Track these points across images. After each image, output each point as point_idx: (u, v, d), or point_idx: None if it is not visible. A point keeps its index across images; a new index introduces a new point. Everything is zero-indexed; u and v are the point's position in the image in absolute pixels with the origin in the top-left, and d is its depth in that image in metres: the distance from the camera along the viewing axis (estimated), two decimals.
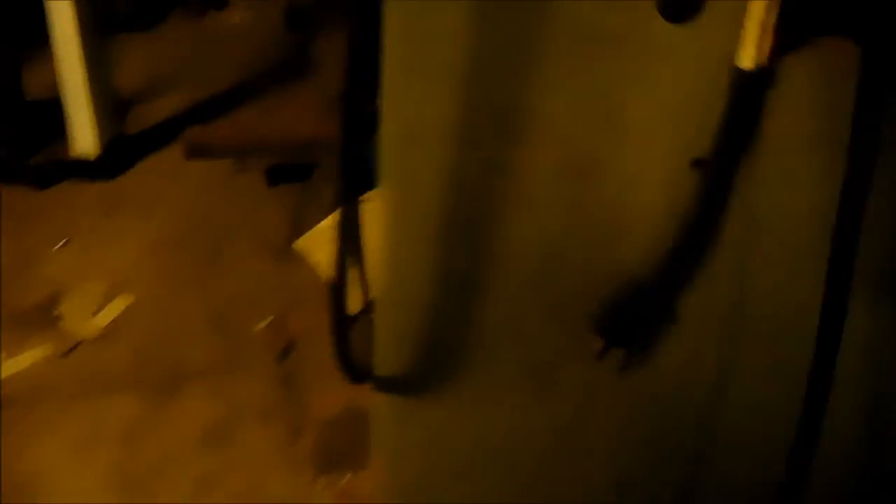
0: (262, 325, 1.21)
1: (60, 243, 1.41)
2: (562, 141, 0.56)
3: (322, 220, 1.15)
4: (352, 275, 0.64)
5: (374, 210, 0.62)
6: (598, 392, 0.63)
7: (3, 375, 1.19)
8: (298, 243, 1.20)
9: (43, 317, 1.29)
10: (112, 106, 1.55)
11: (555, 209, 0.58)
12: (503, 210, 0.59)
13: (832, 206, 0.56)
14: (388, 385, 0.63)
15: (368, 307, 0.67)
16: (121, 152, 1.56)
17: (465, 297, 0.62)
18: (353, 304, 0.64)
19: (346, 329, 0.61)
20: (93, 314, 1.28)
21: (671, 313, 0.60)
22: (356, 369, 0.63)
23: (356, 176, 0.61)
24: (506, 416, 0.64)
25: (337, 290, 0.62)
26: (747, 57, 0.51)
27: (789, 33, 0.52)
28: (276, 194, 1.43)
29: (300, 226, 1.32)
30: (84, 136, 1.51)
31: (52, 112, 1.51)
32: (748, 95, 0.52)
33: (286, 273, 1.30)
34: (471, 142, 0.57)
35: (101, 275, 1.35)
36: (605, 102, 0.55)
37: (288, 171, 1.41)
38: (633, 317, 0.59)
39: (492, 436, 0.64)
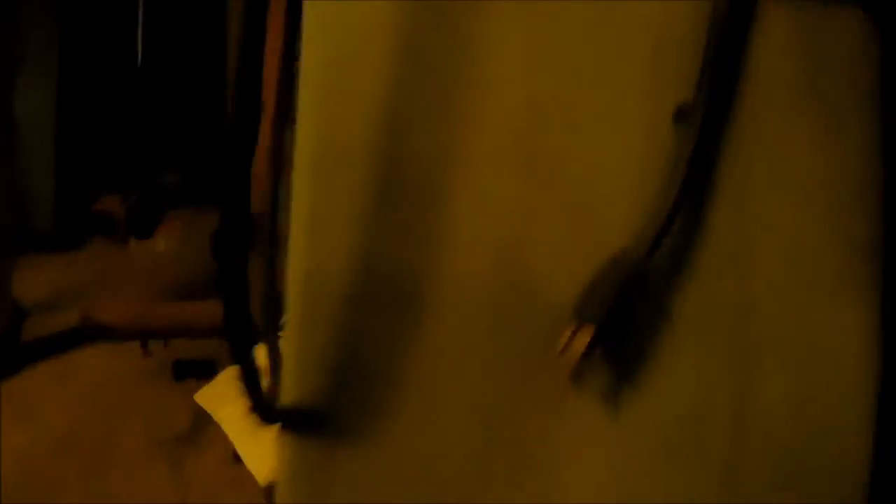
0: None
1: None
2: (515, 90, 0.48)
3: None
4: None
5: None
6: (575, 430, 0.47)
7: None
8: (200, 395, 1.01)
9: None
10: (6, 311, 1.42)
11: (507, 191, 0.47)
12: (443, 206, 0.48)
13: (837, 170, 0.48)
14: (302, 423, 0.45)
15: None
16: (7, 358, 1.40)
17: (397, 316, 0.48)
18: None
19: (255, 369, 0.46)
20: None
21: (664, 306, 0.47)
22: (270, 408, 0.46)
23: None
24: (450, 467, 0.46)
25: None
26: None
27: None
28: (182, 389, 1.26)
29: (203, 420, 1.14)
30: None
31: None
32: (730, 24, 0.46)
33: (185, 471, 1.09)
34: (402, 122, 0.48)
35: None
36: (566, 47, 0.47)
37: (195, 365, 1.27)
38: (624, 302, 0.46)
39: (430, 492, 0.46)
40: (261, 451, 0.88)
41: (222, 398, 0.96)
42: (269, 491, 0.89)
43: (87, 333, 1.29)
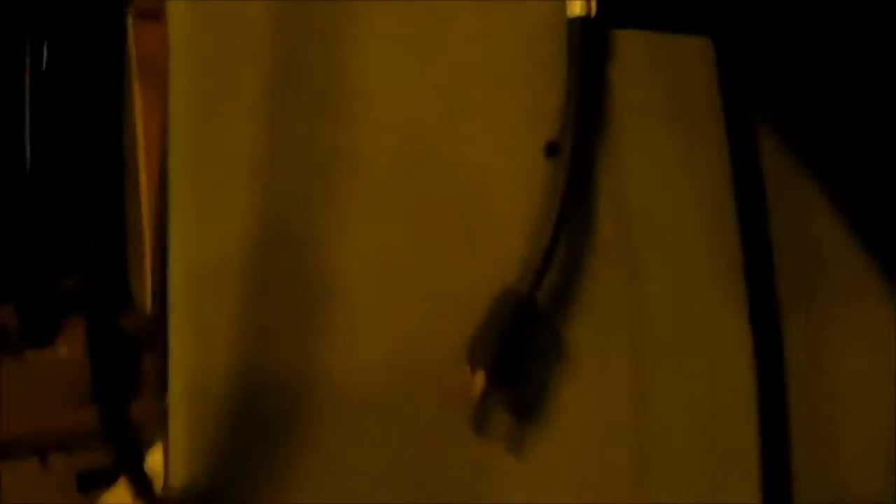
0: None
1: None
2: (394, 136, 0.47)
3: None
4: None
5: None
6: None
7: None
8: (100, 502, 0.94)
9: None
10: None
11: (393, 223, 0.46)
12: (324, 229, 0.46)
13: (704, 190, 0.50)
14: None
15: None
16: None
17: (286, 416, 0.45)
18: None
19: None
20: None
21: (558, 338, 0.47)
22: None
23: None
24: None
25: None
26: (576, 4, 0.47)
27: None
28: (88, 501, 1.17)
29: None
30: None
31: None
32: (585, 47, 0.47)
33: None
34: (284, 137, 0.46)
35: None
36: (438, 80, 0.47)
37: (99, 475, 1.19)
38: (513, 342, 0.44)
39: None
40: None
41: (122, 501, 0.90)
42: None
43: None
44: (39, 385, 1.66)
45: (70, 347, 1.85)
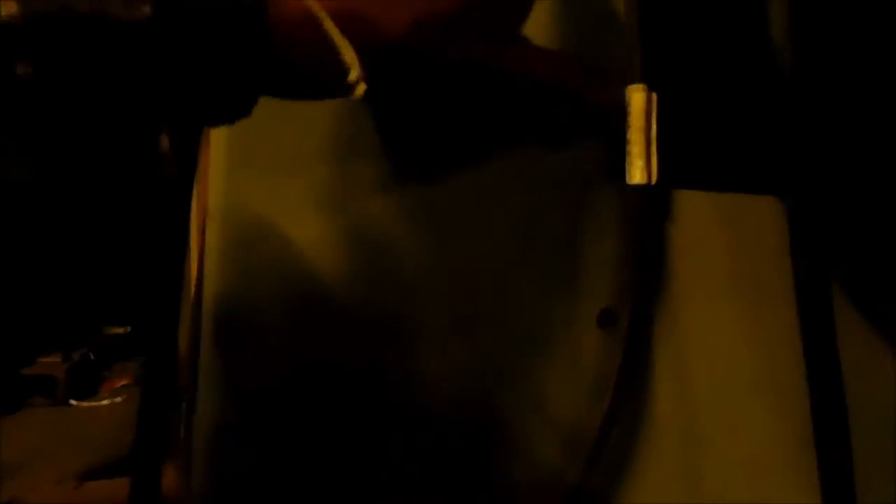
0: None
1: None
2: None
3: None
4: None
5: None
6: None
7: None
8: None
9: None
10: None
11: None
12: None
13: (773, 362, 0.46)
14: None
15: None
16: None
17: None
18: None
19: None
20: None
21: None
22: None
23: None
24: None
25: None
26: (637, 171, 0.44)
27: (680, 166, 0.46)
28: None
29: None
30: None
31: None
32: (643, 213, 0.44)
33: None
34: None
35: None
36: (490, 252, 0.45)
37: None
38: None
39: None
40: None
41: None
42: None
43: None
44: (82, 438, 1.67)
45: (112, 399, 1.86)
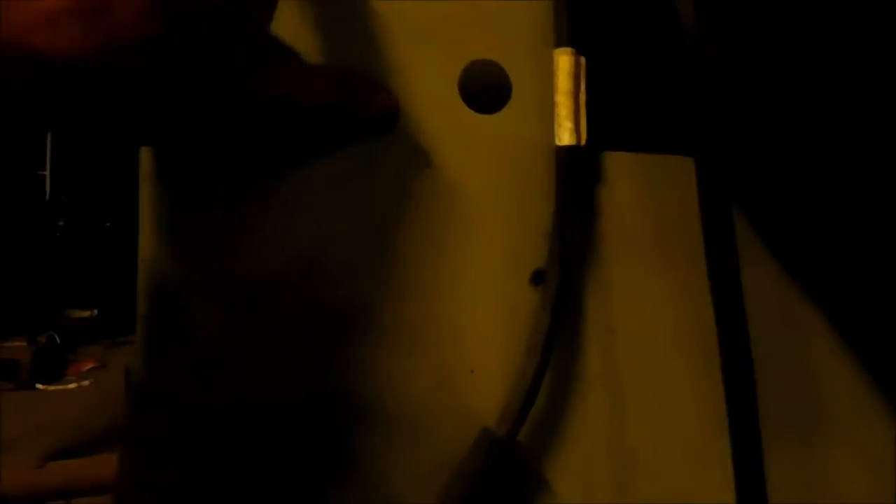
0: None
1: None
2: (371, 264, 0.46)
3: None
4: None
5: None
6: None
7: None
8: None
9: None
10: None
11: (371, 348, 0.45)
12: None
13: (693, 319, 0.47)
14: None
15: None
16: None
17: None
18: None
19: None
20: None
21: (544, 482, 0.45)
22: None
23: None
24: None
25: None
26: (565, 133, 0.45)
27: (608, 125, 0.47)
28: None
29: None
30: None
31: None
32: (573, 174, 0.45)
33: None
34: None
35: None
36: (419, 210, 0.46)
37: None
38: (500, 488, 0.43)
39: None
40: None
41: None
42: None
43: None
44: (48, 421, 1.68)
45: (79, 382, 1.87)
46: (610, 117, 0.46)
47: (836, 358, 0.51)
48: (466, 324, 0.45)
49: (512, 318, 0.45)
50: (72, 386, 1.81)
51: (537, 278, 0.46)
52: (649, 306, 0.47)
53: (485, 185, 0.46)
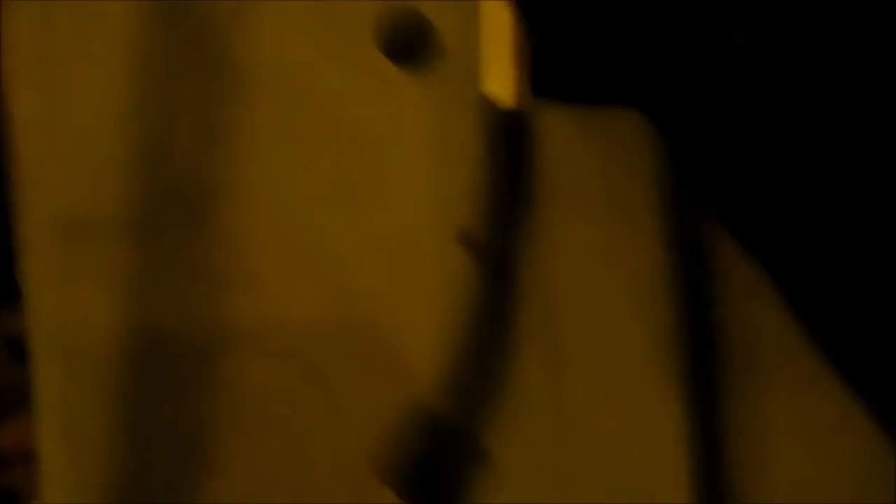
0: None
1: None
2: (284, 235, 0.43)
3: None
4: None
5: None
6: None
7: None
8: None
9: None
10: None
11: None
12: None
13: (637, 278, 0.46)
14: None
15: None
16: None
17: None
18: None
19: None
20: None
21: (482, 451, 0.44)
22: None
23: None
24: None
25: None
26: (495, 85, 0.43)
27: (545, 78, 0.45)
28: None
29: None
30: None
31: None
32: (507, 135, 0.43)
33: None
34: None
35: None
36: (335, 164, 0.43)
37: None
38: (436, 459, 0.41)
39: None
40: None
41: None
42: None
43: None
44: None
45: None
46: (545, 68, 0.43)
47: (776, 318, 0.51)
48: (394, 290, 0.43)
49: (442, 282, 0.43)
50: None
51: (467, 240, 0.44)
52: (589, 267, 0.46)
53: (408, 142, 0.44)
